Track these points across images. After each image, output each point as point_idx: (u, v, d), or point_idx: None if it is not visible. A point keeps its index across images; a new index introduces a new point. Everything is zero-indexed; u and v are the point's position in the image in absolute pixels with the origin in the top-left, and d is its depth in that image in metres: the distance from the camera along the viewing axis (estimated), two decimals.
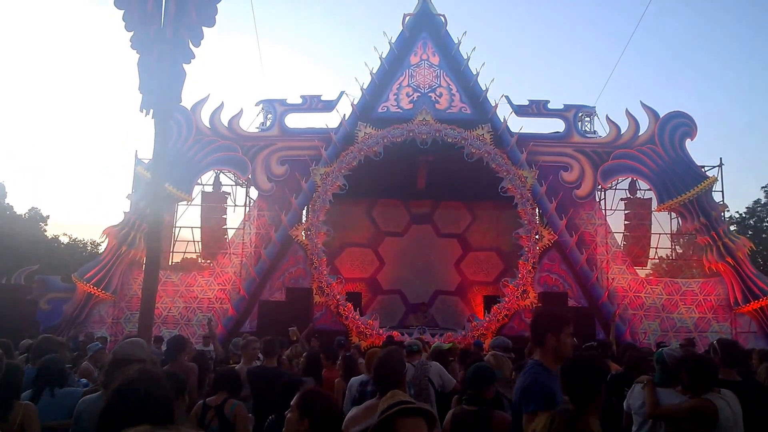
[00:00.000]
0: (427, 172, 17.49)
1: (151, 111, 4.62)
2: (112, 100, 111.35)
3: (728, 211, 19.37)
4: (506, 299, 15.91)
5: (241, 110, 17.26)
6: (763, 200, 32.70)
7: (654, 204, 17.31)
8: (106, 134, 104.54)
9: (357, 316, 15.74)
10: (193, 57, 4.78)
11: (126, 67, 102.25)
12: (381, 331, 15.30)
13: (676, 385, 4.47)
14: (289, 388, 3.96)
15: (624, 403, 4.89)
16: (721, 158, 17.33)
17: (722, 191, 17.12)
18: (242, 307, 16.15)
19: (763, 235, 31.60)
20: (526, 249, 16.17)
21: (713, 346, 5.08)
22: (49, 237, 34.06)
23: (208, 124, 17.00)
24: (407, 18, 17.41)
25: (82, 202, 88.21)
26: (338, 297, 15.86)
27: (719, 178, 17.01)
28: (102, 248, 18.91)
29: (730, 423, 3.99)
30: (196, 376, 5.66)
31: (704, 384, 4.17)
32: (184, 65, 4.78)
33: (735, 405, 4.08)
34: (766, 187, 32.61)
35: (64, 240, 36.19)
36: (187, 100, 15.43)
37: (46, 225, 34.47)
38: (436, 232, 20.48)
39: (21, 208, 33.67)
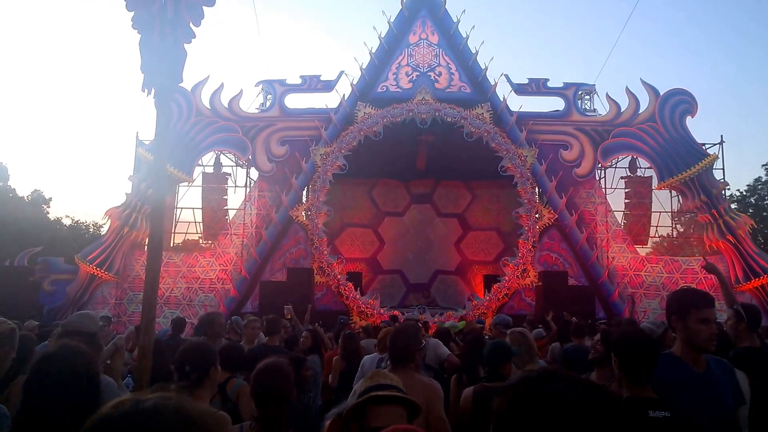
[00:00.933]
0: (426, 152, 17.50)
1: (153, 91, 4.62)
2: (113, 82, 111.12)
3: (729, 189, 19.34)
4: (506, 278, 16.00)
5: (241, 91, 17.28)
6: (764, 178, 32.63)
7: (654, 182, 17.30)
8: (107, 116, 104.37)
9: (358, 296, 15.85)
10: (194, 36, 4.79)
11: (127, 49, 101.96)
12: (382, 310, 15.40)
13: None
14: (295, 365, 3.95)
15: None
16: (722, 136, 17.34)
17: (723, 169, 17.15)
18: (244, 288, 16.27)
19: (764, 213, 31.57)
20: (526, 228, 16.22)
21: (737, 311, 4.89)
22: (52, 219, 34.17)
23: (208, 105, 17.00)
24: None
25: (84, 185, 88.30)
26: (339, 277, 15.95)
27: (720, 156, 16.99)
28: (104, 230, 18.98)
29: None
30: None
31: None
32: (185, 45, 4.79)
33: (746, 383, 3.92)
34: (767, 164, 32.53)
35: (67, 222, 36.36)
36: (187, 82, 15.41)
37: (49, 207, 34.60)
38: (436, 212, 20.52)
39: (23, 191, 33.81)
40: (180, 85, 4.85)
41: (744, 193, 33.09)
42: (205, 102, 17.03)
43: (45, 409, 2.01)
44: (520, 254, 16.12)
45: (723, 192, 16.92)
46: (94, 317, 3.76)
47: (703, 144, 16.96)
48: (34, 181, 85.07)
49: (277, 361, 3.14)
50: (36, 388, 2.07)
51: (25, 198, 32.83)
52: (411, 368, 3.73)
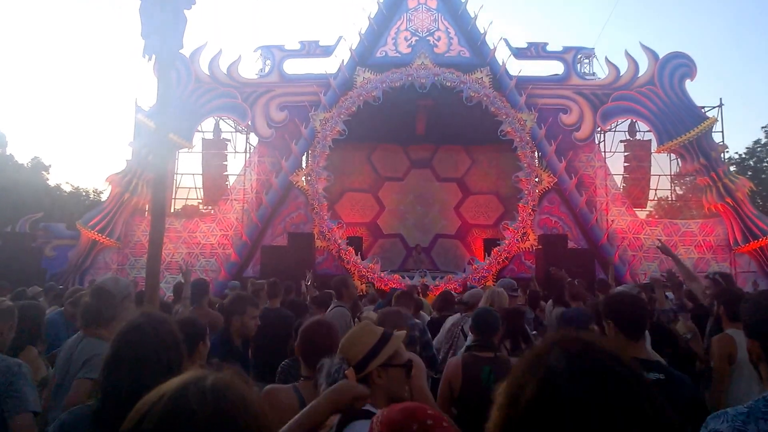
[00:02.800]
0: (426, 117, 17.46)
1: (154, 57, 4.67)
2: (111, 49, 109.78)
3: (728, 151, 19.42)
4: (506, 242, 16.12)
5: (240, 57, 17.18)
6: (763, 140, 32.59)
7: (654, 145, 17.34)
8: (105, 83, 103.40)
9: (358, 260, 15.98)
10: (194, 3, 4.83)
11: (126, 15, 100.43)
12: (382, 274, 15.56)
13: None
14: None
15: None
16: (721, 98, 17.32)
17: (722, 132, 17.18)
18: (245, 253, 16.40)
19: (763, 176, 31.60)
20: (526, 192, 16.29)
21: (715, 279, 5.20)
22: (52, 186, 34.17)
23: (207, 72, 16.94)
24: None
25: (83, 151, 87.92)
26: (339, 241, 16.07)
27: (719, 119, 17.00)
28: (105, 196, 19.04)
29: (744, 359, 3.99)
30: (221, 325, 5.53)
31: (732, 317, 4.16)
32: (185, 11, 4.83)
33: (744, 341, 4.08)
34: (766, 127, 32.44)
35: (67, 188, 36.34)
36: (186, 48, 15.30)
37: (48, 174, 34.56)
38: (436, 177, 20.55)
39: (23, 158, 33.72)
40: (181, 49, 4.89)
41: (743, 156, 33.08)
42: (204, 68, 16.96)
43: (136, 381, 1.91)
44: (519, 218, 16.22)
45: (722, 155, 16.99)
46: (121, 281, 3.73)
47: (702, 107, 16.95)
48: (34, 148, 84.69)
49: (321, 319, 3.21)
50: (126, 360, 2.02)
51: (25, 165, 32.78)
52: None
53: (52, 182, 34.54)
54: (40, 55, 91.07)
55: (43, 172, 33.95)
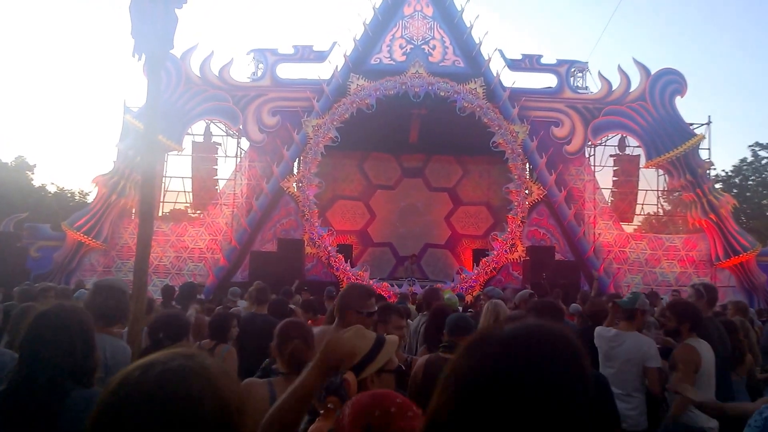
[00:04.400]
0: (419, 126, 17.48)
1: (144, 56, 4.61)
2: (98, 48, 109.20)
3: (714, 168, 19.61)
4: (495, 252, 16.15)
5: (232, 59, 17.11)
6: (750, 159, 32.99)
7: (642, 161, 17.48)
8: (90, 83, 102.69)
9: (348, 268, 15.92)
10: (185, 2, 4.78)
11: (114, 14, 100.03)
12: (371, 282, 15.50)
13: (635, 326, 4.69)
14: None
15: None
16: (709, 116, 17.50)
17: (709, 149, 17.38)
18: (234, 258, 16.29)
19: (748, 194, 32.00)
20: (516, 203, 16.34)
21: (698, 290, 5.32)
22: (37, 186, 33.81)
23: (198, 73, 16.83)
24: None
25: (68, 152, 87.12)
26: (329, 248, 16.01)
27: (707, 136, 17.20)
28: (90, 198, 18.85)
29: (709, 366, 4.19)
30: (204, 329, 5.55)
31: (690, 327, 4.36)
32: (176, 10, 4.77)
33: (709, 350, 4.27)
34: (753, 146, 32.86)
35: (52, 189, 35.95)
36: (177, 48, 15.24)
37: (33, 174, 34.22)
38: (427, 186, 20.57)
39: (7, 157, 33.36)
40: (172, 48, 4.84)
41: (729, 174, 33.46)
42: (195, 70, 16.86)
43: (40, 364, 2.14)
44: (509, 229, 16.26)
45: (708, 172, 17.15)
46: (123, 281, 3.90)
47: (691, 124, 17.12)
48: (18, 148, 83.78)
49: (296, 320, 3.35)
50: (32, 344, 2.20)
51: (9, 164, 32.43)
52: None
53: (36, 182, 34.21)
54: (26, 54, 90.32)
55: (28, 172, 33.60)
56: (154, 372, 1.05)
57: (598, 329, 4.95)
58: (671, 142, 16.53)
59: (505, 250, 16.23)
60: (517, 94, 16.84)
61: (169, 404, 1.02)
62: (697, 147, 16.73)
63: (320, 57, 17.03)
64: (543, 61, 17.27)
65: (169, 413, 1.01)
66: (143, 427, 1.00)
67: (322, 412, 1.84)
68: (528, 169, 17.09)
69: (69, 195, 36.80)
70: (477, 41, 16.95)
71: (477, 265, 16.29)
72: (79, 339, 2.24)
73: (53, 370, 2.15)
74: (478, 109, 16.16)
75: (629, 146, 17.88)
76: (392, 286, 15.28)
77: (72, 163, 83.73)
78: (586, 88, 17.69)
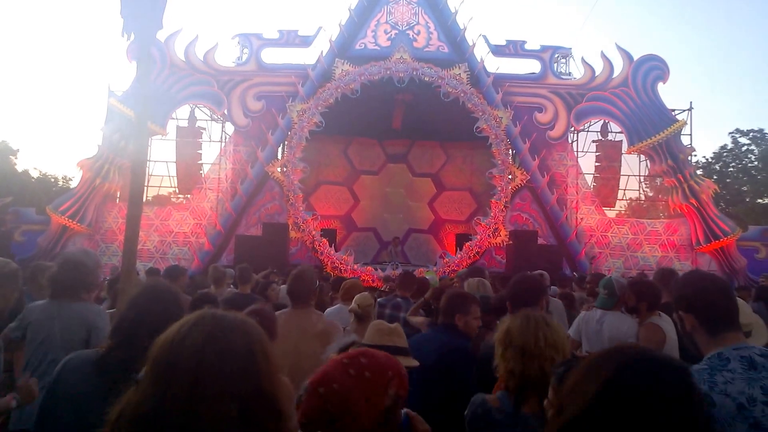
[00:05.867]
0: (403, 112, 17.53)
1: (132, 36, 4.67)
2: (82, 31, 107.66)
3: (695, 155, 19.87)
4: (478, 237, 16.30)
5: (217, 44, 17.05)
6: (730, 146, 33.39)
7: (624, 146, 17.67)
8: (74, 67, 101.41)
9: (332, 252, 16.01)
10: None
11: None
12: (355, 266, 15.62)
13: (619, 307, 4.85)
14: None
15: (572, 330, 5.22)
16: (691, 102, 17.74)
17: (690, 135, 17.58)
18: (218, 242, 16.34)
19: (728, 180, 32.41)
20: (499, 189, 16.48)
21: (659, 273, 5.58)
22: (20, 171, 33.52)
23: (182, 57, 16.77)
24: None
25: (51, 137, 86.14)
26: (314, 233, 16.08)
27: (688, 122, 17.41)
28: (74, 183, 18.76)
29: (673, 344, 4.35)
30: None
31: (648, 306, 4.57)
32: None
33: (672, 328, 4.43)
34: (733, 132, 33.24)
35: (35, 174, 35.67)
36: (161, 32, 15.21)
37: (16, 159, 33.92)
38: (411, 172, 20.67)
39: None
40: (161, 29, 4.88)
41: (710, 160, 33.87)
42: (180, 54, 16.79)
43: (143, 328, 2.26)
44: (492, 214, 16.41)
45: (689, 157, 17.37)
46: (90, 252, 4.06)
47: (673, 110, 17.33)
48: (0, 133, 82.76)
49: (257, 307, 3.48)
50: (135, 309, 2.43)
51: None
52: (311, 306, 4.26)
53: (20, 167, 33.91)
54: (8, 38, 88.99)
55: (11, 157, 33.29)
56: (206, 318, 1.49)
57: (584, 314, 5.20)
58: (653, 127, 16.73)
59: (488, 235, 16.38)
60: (500, 79, 16.94)
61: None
62: (678, 133, 16.93)
63: (305, 42, 17.02)
64: (527, 47, 17.35)
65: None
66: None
67: None
68: (511, 155, 17.21)
69: (52, 180, 36.54)
70: (461, 27, 17.00)
71: (460, 250, 16.44)
72: (175, 307, 2.45)
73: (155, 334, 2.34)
74: (461, 95, 16.24)
75: (612, 132, 18.08)
76: (376, 270, 15.40)
77: (55, 149, 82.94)
78: (570, 74, 17.81)
